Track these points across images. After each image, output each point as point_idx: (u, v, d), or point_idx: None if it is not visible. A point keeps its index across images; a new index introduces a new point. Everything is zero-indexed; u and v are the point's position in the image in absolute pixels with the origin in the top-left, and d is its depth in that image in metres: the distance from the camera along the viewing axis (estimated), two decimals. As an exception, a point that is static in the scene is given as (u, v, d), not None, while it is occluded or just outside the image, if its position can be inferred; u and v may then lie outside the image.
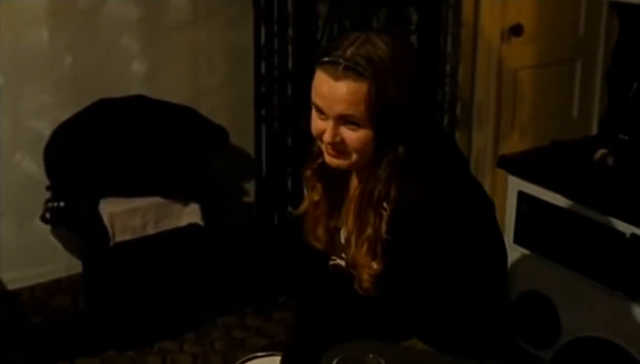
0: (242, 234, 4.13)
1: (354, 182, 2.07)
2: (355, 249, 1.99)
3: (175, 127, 3.81)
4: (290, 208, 2.26)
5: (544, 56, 4.39)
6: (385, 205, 1.94)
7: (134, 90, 3.97)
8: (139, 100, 3.91)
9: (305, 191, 2.19)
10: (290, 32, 3.82)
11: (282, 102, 3.87)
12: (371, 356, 1.66)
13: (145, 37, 4.00)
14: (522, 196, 3.15)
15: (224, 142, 3.96)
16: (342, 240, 2.09)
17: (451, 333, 1.96)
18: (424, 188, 1.91)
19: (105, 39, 3.93)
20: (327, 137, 1.95)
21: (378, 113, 1.88)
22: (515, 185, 3.18)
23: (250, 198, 4.28)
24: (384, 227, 1.94)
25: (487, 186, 4.10)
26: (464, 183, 1.99)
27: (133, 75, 4.01)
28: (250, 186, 4.29)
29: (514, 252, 3.17)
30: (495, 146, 4.31)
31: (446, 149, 2.05)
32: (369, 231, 1.95)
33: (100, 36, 3.92)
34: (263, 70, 3.85)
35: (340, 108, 1.90)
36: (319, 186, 2.12)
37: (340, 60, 1.89)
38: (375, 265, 1.95)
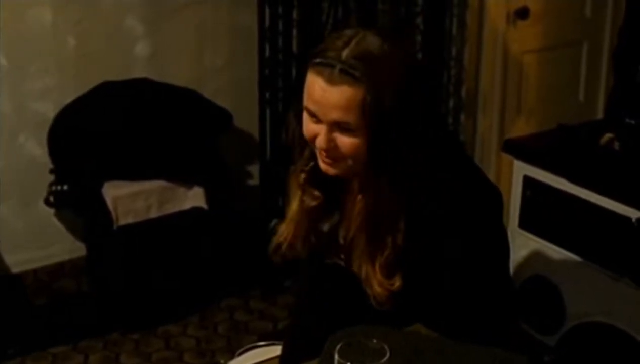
0: (246, 217, 4.12)
1: (354, 185, 1.97)
2: (371, 270, 1.90)
3: (178, 110, 3.80)
4: (275, 222, 2.11)
5: (550, 39, 4.36)
6: (399, 218, 1.87)
7: (137, 72, 3.96)
8: (143, 83, 3.90)
9: (292, 195, 2.03)
10: (294, 14, 3.80)
11: (287, 84, 3.86)
12: (375, 341, 1.65)
13: (149, 19, 3.98)
14: (527, 181, 3.14)
15: (228, 124, 3.96)
16: (341, 240, 2.02)
17: (457, 320, 1.96)
18: (437, 196, 1.86)
19: (109, 21, 3.91)
20: (320, 143, 1.84)
21: (374, 119, 1.78)
22: (521, 169, 3.17)
23: (255, 181, 4.27)
24: (399, 239, 1.87)
25: (492, 171, 4.10)
26: (475, 186, 1.94)
27: (137, 57, 4.00)
28: (254, 170, 4.28)
29: (519, 237, 3.16)
30: (500, 130, 4.28)
31: (452, 151, 1.98)
32: (388, 251, 1.88)
33: (104, 18, 3.90)
34: (267, 52, 3.83)
35: (335, 115, 1.80)
36: (316, 191, 1.99)
37: (335, 63, 1.78)
38: (397, 283, 1.88)
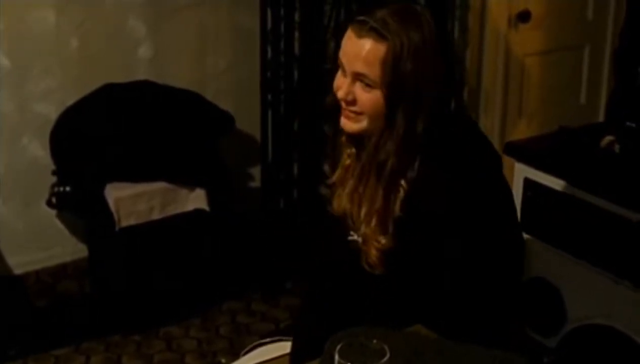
0: (247, 219, 4.12)
1: None
2: (363, 221, 2.01)
3: (181, 112, 3.81)
4: (327, 176, 2.24)
5: (551, 42, 4.37)
6: (403, 183, 1.96)
7: (139, 73, 3.97)
8: (145, 85, 3.90)
9: (341, 153, 2.17)
10: (296, 16, 3.81)
11: (288, 87, 3.86)
12: (375, 341, 1.65)
13: (151, 21, 3.99)
14: (528, 183, 3.14)
15: (230, 127, 3.96)
16: (361, 216, 2.09)
17: (457, 319, 1.96)
18: (444, 175, 1.93)
19: (112, 22, 3.92)
20: (340, 93, 1.98)
21: (391, 77, 1.91)
22: (522, 171, 3.17)
23: (256, 183, 4.28)
24: (397, 205, 1.96)
25: (493, 173, 4.09)
26: (486, 174, 1.99)
27: (139, 58, 4.01)
28: (256, 172, 4.29)
29: (520, 239, 3.16)
30: (502, 132, 4.29)
31: (472, 137, 2.05)
32: (378, 204, 1.97)
33: (106, 19, 3.91)
34: (269, 55, 3.83)
35: (357, 66, 1.94)
36: (353, 151, 2.11)
37: (369, 20, 1.93)
38: (383, 240, 1.97)
